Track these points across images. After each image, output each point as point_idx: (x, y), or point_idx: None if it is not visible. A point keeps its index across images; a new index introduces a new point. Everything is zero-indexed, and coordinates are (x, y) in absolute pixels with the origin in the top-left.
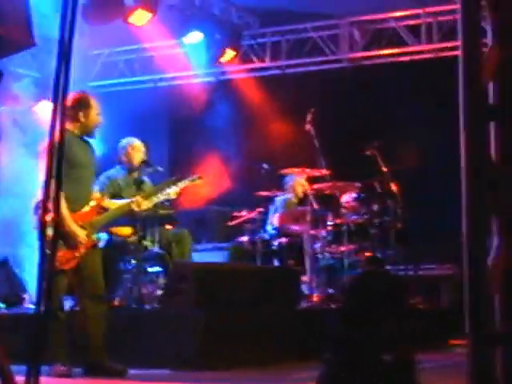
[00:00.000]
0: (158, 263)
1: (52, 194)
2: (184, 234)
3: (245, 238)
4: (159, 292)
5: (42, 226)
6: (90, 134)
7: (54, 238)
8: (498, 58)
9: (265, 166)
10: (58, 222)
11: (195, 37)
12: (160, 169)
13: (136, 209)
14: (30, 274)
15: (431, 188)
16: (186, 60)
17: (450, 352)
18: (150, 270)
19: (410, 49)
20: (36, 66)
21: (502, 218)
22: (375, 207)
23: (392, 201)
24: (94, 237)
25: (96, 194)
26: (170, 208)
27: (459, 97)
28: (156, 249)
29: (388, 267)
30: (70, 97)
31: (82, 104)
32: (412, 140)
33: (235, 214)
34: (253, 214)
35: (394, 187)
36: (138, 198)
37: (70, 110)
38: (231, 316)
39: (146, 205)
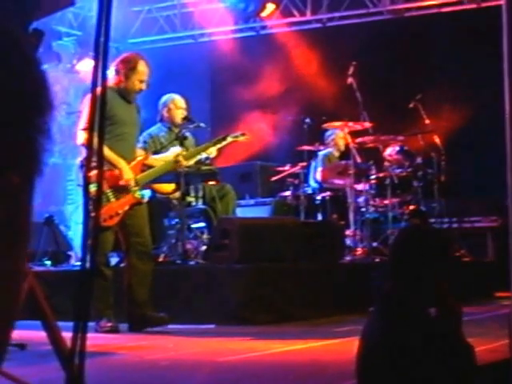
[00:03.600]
0: (201, 219)
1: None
2: (227, 189)
3: (288, 193)
4: (203, 248)
5: (86, 183)
6: (128, 97)
7: (98, 194)
8: None
9: (307, 120)
10: (101, 179)
11: None
12: (202, 125)
13: (179, 166)
14: (75, 232)
15: (475, 141)
16: (227, 15)
17: (495, 304)
18: (193, 225)
19: None
20: (77, 25)
21: None
22: (418, 160)
23: (435, 153)
24: (139, 194)
25: (140, 151)
26: (210, 165)
27: (503, 46)
28: (200, 205)
29: (432, 220)
30: (124, 55)
31: (128, 64)
32: (456, 92)
33: (278, 168)
34: (296, 169)
35: (437, 140)
36: (181, 155)
37: (118, 66)
38: (275, 271)
39: (187, 162)
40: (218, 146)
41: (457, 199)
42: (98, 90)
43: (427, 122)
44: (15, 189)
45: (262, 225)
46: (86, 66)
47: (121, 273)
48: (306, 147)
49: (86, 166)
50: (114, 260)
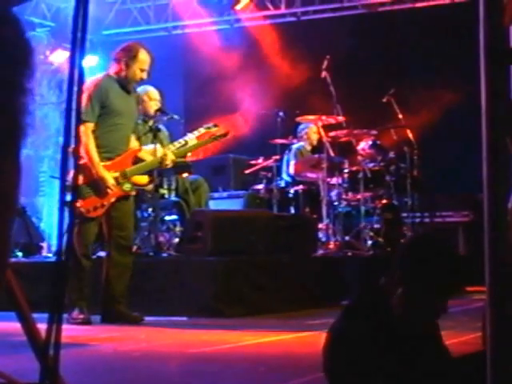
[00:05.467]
0: (174, 211)
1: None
2: (200, 182)
3: (261, 186)
4: (176, 240)
5: (63, 174)
6: (127, 87)
7: (75, 184)
8: None
9: (281, 113)
10: (78, 169)
11: None
12: (176, 117)
13: (165, 166)
14: (47, 223)
15: (448, 136)
16: (201, 8)
17: (466, 298)
18: (166, 218)
19: None
20: (51, 16)
21: None
22: (391, 154)
23: (408, 148)
24: (127, 186)
25: (134, 143)
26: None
27: (479, 41)
28: (173, 197)
29: (404, 214)
30: (125, 44)
31: (129, 53)
32: (429, 87)
33: (251, 162)
34: (269, 162)
35: (410, 134)
36: (168, 155)
37: (118, 55)
38: (248, 263)
39: (172, 162)
40: (193, 137)
41: (428, 194)
42: (98, 78)
43: (400, 116)
44: None
45: (234, 217)
46: (59, 57)
47: (100, 264)
48: (279, 140)
49: (62, 155)
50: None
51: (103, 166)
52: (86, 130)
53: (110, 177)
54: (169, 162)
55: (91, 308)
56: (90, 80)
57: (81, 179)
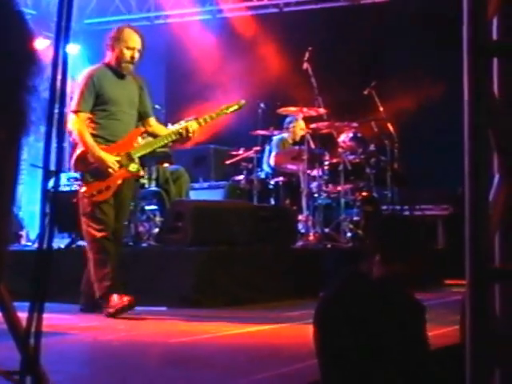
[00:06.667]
0: (154, 201)
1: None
2: (181, 172)
3: (241, 177)
4: (156, 230)
5: (46, 163)
6: (119, 70)
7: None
8: None
9: (262, 104)
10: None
11: None
12: (157, 107)
13: (188, 139)
14: (26, 212)
15: (429, 129)
16: None
17: (445, 291)
18: (146, 208)
19: None
20: (32, 3)
21: (503, 155)
22: (372, 147)
23: (389, 141)
24: (134, 167)
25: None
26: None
27: (463, 32)
28: (153, 187)
29: (384, 207)
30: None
31: (113, 36)
32: (410, 80)
33: (232, 152)
34: (249, 153)
35: (390, 127)
36: (191, 121)
37: (106, 42)
38: (227, 254)
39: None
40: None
41: (408, 187)
42: (91, 69)
43: (381, 109)
44: (1, 143)
45: (215, 208)
46: (39, 45)
47: (77, 254)
48: (260, 132)
49: (46, 143)
50: (64, 241)
51: (102, 149)
52: (79, 119)
53: (108, 157)
54: (192, 133)
55: (74, 297)
56: (84, 71)
57: (82, 167)
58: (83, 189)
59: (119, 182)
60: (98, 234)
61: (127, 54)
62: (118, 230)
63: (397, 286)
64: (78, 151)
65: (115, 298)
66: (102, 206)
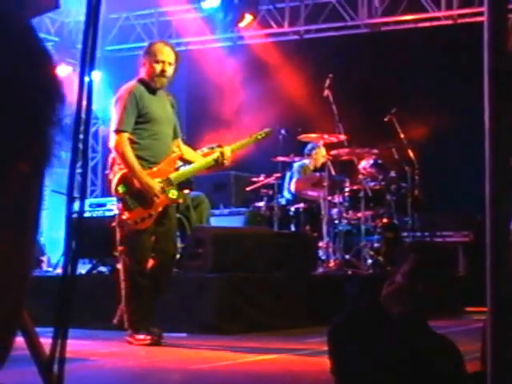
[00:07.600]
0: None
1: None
2: (202, 198)
3: (262, 203)
4: (177, 256)
5: (70, 189)
6: (152, 85)
7: (83, 194)
8: None
9: (282, 131)
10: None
11: (213, 1)
12: None
13: (222, 166)
14: (47, 238)
15: (449, 156)
16: (204, 25)
17: (466, 319)
18: None
19: (430, 15)
20: (54, 30)
21: None
22: (392, 174)
23: (409, 168)
24: (174, 193)
25: (176, 149)
26: None
27: (484, 64)
28: None
29: (404, 234)
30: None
31: (145, 50)
32: (430, 108)
33: (253, 179)
34: (270, 180)
35: (411, 154)
36: (225, 154)
37: (139, 60)
38: (248, 280)
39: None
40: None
41: (429, 214)
42: (130, 85)
43: (402, 136)
44: (24, 177)
45: (235, 234)
46: (62, 71)
47: (97, 279)
48: (280, 158)
49: (71, 166)
50: (86, 267)
51: (147, 174)
52: (123, 139)
53: (155, 184)
54: (227, 159)
55: (94, 322)
56: (122, 88)
57: (123, 190)
58: (125, 215)
59: (160, 209)
60: (134, 267)
61: (157, 67)
62: (167, 251)
63: (420, 323)
64: (119, 174)
65: (141, 336)
66: (144, 235)
